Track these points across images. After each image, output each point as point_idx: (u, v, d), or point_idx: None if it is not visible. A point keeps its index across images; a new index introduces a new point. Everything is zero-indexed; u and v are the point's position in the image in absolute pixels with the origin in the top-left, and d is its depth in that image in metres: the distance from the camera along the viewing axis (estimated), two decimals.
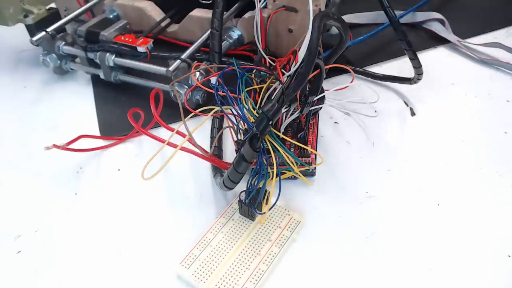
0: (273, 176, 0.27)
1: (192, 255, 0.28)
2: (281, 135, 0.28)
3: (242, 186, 0.29)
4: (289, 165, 0.28)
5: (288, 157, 0.27)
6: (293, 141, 0.30)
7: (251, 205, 0.29)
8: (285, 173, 0.30)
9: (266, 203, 0.29)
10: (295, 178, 0.33)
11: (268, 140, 0.27)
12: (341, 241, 0.29)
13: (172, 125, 0.36)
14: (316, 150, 0.34)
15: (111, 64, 0.42)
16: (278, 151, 0.27)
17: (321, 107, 0.32)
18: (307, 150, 0.32)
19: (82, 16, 0.49)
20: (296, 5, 0.40)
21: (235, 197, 0.31)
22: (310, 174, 0.33)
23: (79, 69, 0.47)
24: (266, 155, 0.27)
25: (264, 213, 0.29)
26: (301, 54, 0.25)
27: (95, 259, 0.29)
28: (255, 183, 0.28)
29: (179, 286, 0.28)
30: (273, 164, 0.27)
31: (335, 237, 0.29)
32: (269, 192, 0.28)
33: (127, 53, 0.42)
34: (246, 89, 0.28)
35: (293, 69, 0.27)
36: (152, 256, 0.29)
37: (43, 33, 0.44)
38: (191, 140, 0.27)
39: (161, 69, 0.39)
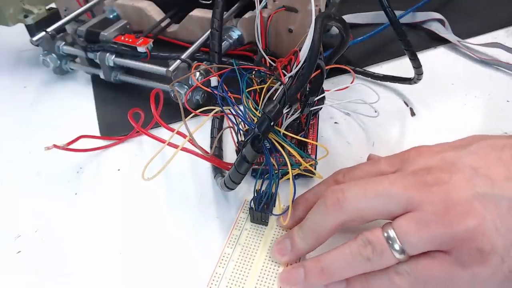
0: (282, 176, 0.27)
1: (217, 275, 0.27)
2: (283, 131, 0.28)
3: (241, 187, 0.29)
4: (294, 162, 0.27)
5: (293, 152, 0.27)
6: (296, 136, 0.30)
7: (267, 211, 0.29)
8: (288, 172, 0.30)
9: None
10: (296, 178, 0.33)
11: (273, 139, 0.27)
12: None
13: (172, 125, 0.36)
14: (316, 151, 0.34)
15: (111, 64, 0.42)
16: (284, 147, 0.27)
17: (321, 107, 0.32)
18: (307, 149, 0.32)
19: (82, 16, 0.49)
20: (296, 5, 0.40)
21: (240, 208, 0.31)
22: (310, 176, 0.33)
23: (79, 69, 0.47)
24: (276, 155, 0.27)
25: (282, 213, 0.29)
26: (303, 54, 0.25)
27: (95, 259, 0.29)
28: (267, 188, 0.28)
29: (178, 285, 0.28)
30: (280, 163, 0.27)
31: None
32: (278, 193, 0.29)
33: (127, 53, 0.42)
34: (246, 90, 0.28)
35: (294, 70, 0.27)
36: (152, 256, 0.29)
37: (43, 33, 0.44)
38: (192, 141, 0.27)
39: (161, 69, 0.39)
